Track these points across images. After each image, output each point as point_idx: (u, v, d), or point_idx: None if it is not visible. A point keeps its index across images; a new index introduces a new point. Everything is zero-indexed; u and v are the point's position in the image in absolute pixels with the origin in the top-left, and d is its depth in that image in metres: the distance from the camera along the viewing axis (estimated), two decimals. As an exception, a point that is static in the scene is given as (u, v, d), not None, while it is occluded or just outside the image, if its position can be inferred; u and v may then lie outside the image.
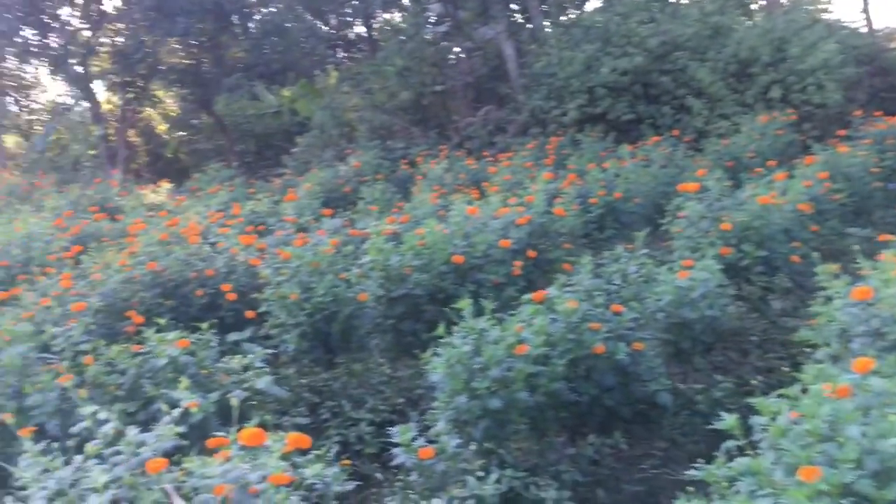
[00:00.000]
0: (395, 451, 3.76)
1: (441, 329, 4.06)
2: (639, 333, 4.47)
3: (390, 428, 4.77)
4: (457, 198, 7.82)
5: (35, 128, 27.01)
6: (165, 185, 17.67)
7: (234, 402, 2.63)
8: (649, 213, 8.80)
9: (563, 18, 17.79)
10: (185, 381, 3.09)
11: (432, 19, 19.15)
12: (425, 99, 17.14)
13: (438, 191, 9.79)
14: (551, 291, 4.50)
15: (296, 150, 18.13)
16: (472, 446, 3.94)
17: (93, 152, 22.26)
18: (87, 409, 2.59)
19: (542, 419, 4.07)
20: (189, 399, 2.95)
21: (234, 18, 19.84)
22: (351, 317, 5.52)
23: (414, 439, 3.71)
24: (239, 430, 2.57)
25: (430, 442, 3.78)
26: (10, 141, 28.32)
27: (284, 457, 2.59)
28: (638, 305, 4.64)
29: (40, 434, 3.17)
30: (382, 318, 5.85)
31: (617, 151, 11.70)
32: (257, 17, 23.02)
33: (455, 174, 11.62)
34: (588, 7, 18.85)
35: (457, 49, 18.65)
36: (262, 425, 2.68)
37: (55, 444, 2.67)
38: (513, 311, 4.35)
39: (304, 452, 2.89)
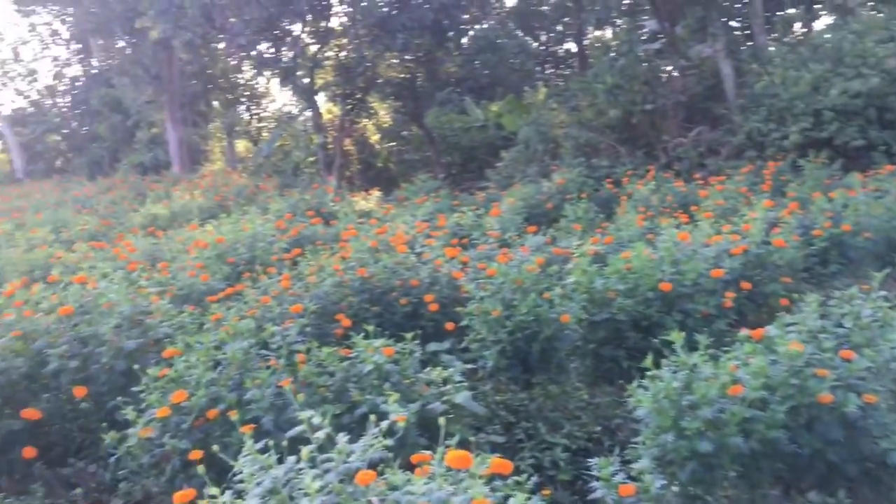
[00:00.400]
0: (593, 484, 3.61)
1: (649, 360, 3.87)
2: (871, 384, 4.03)
3: (585, 456, 4.64)
4: (665, 221, 7.52)
5: (263, 134, 29.31)
6: (375, 194, 18.49)
7: (442, 420, 2.62)
8: (881, 250, 8.04)
9: (788, 37, 16.76)
10: (394, 395, 3.13)
11: (644, 36, 18.73)
12: (634, 117, 16.74)
13: (644, 212, 9.49)
14: (771, 330, 4.17)
15: (500, 164, 18.35)
16: (676, 488, 3.71)
17: (312, 159, 23.74)
18: (304, 414, 2.68)
19: (755, 468, 3.76)
20: (398, 412, 2.98)
21: (450, 35, 20.42)
22: (551, 338, 5.42)
23: (614, 474, 3.55)
24: (442, 447, 2.56)
25: (631, 479, 3.60)
26: (241, 146, 30.91)
27: (485, 480, 2.55)
28: (872, 353, 4.19)
29: (259, 431, 3.32)
30: (583, 342, 5.72)
31: (844, 180, 10.82)
32: (471, 33, 23.61)
33: (662, 196, 11.23)
34: (817, 25, 17.66)
35: (669, 67, 18.11)
36: (464, 443, 2.66)
37: (270, 442, 2.77)
38: (726, 348, 4.07)
39: (502, 475, 2.84)
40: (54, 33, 31.68)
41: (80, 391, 4.82)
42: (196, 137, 27.95)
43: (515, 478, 2.96)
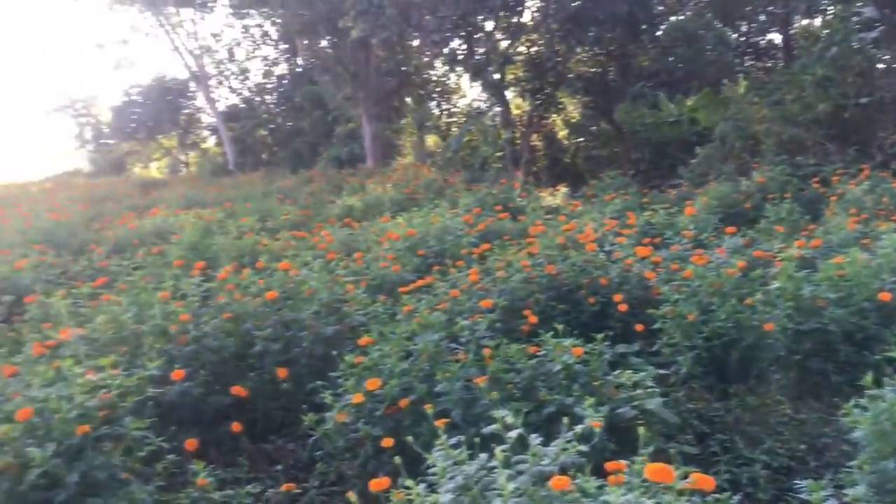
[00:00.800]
0: (800, 507, 3.34)
1: (868, 378, 3.53)
2: None
3: (787, 475, 4.32)
4: (882, 226, 6.88)
5: (452, 129, 29.90)
6: (562, 190, 18.33)
7: (641, 430, 2.50)
8: None
9: None
10: (590, 399, 3.04)
11: (859, 24, 17.26)
12: (846, 112, 15.46)
13: (857, 215, 8.73)
14: None
15: (693, 161, 17.59)
16: (896, 521, 3.36)
17: (499, 154, 23.92)
18: (498, 413, 2.66)
19: None
20: (593, 417, 2.89)
21: (644, 27, 19.82)
22: (752, 346, 5.09)
23: (825, 499, 3.26)
24: (640, 457, 2.45)
25: (845, 506, 3.30)
26: (431, 140, 31.72)
27: (683, 494, 2.41)
28: None
29: (447, 424, 3.34)
30: (787, 352, 5.33)
31: None
32: (664, 25, 22.82)
33: (878, 197, 10.28)
34: None
35: (886, 57, 16.57)
36: (656, 453, 2.54)
37: (462, 437, 2.78)
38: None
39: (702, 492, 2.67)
40: (264, 34, 33.99)
41: (282, 372, 5.11)
42: (389, 132, 28.98)
43: (716, 495, 2.78)
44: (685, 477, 2.43)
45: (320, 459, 4.33)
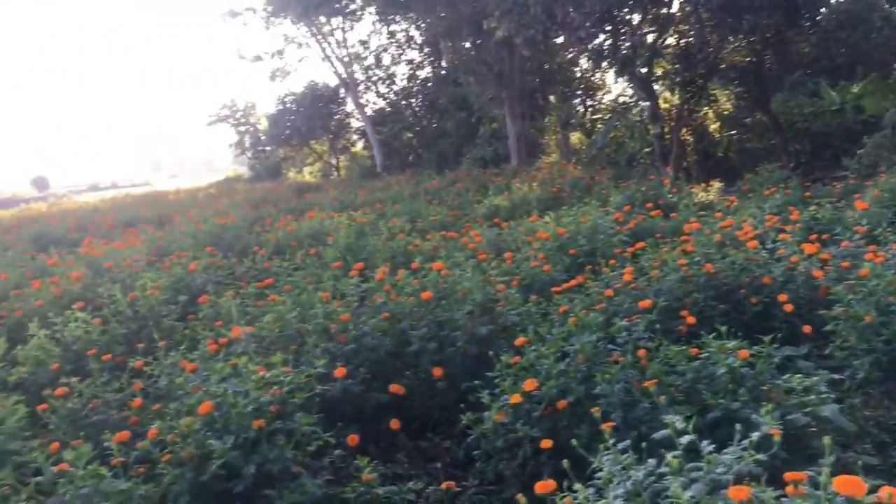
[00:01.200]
0: None
1: None
2: None
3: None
4: None
5: (597, 126, 29.41)
6: (716, 185, 17.63)
7: (827, 440, 2.35)
8: None
9: None
10: (767, 406, 2.90)
11: None
12: None
13: None
14: None
15: (860, 151, 16.47)
16: None
17: (647, 150, 23.30)
18: (670, 418, 2.59)
19: None
20: (770, 425, 2.75)
21: (804, 12, 18.71)
22: (938, 351, 4.71)
23: None
24: (826, 469, 2.30)
25: None
26: (574, 138, 31.34)
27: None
28: None
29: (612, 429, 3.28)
30: (979, 358, 4.89)
31: None
32: (824, 9, 21.47)
33: None
34: None
35: None
36: (839, 465, 2.38)
37: (628, 441, 2.72)
38: None
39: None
40: (409, 39, 34.73)
41: (437, 371, 5.20)
42: (533, 131, 28.88)
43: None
44: (874, 490, 2.27)
45: (478, 458, 4.36)
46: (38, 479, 3.63)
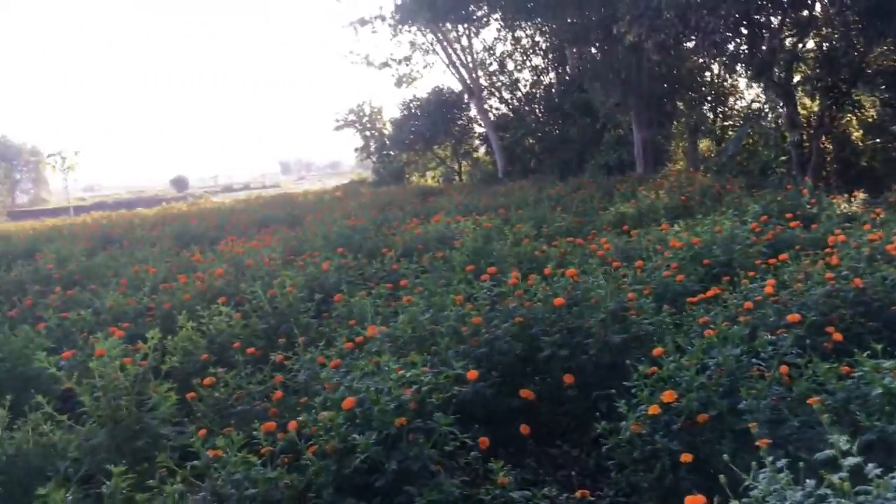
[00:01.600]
0: None
1: None
2: None
3: None
4: None
5: (728, 133, 28.41)
6: (860, 196, 16.69)
7: None
8: None
9: None
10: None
11: None
12: None
13: None
14: None
15: None
16: None
17: (782, 158, 22.32)
18: (835, 438, 2.47)
19: None
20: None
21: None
22: None
23: None
24: None
25: None
26: (703, 145, 30.39)
27: None
28: None
29: (749, 443, 3.17)
30: None
31: None
32: None
33: None
34: None
35: None
36: None
37: (785, 460, 2.61)
38: None
39: None
40: (534, 45, 34.66)
41: (568, 378, 5.15)
42: (659, 138, 28.20)
43: None
44: None
45: (612, 469, 4.29)
46: (195, 462, 3.83)
